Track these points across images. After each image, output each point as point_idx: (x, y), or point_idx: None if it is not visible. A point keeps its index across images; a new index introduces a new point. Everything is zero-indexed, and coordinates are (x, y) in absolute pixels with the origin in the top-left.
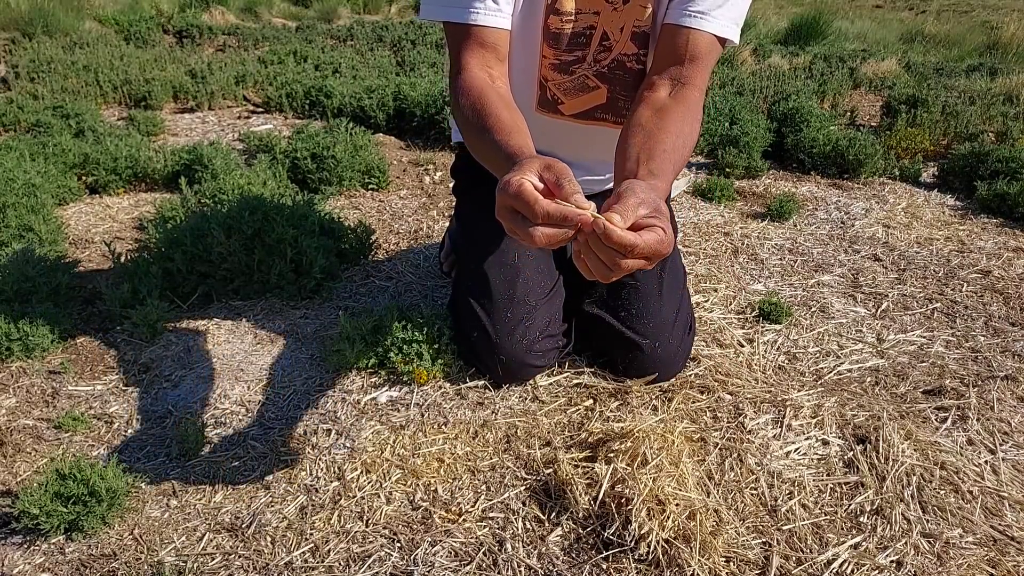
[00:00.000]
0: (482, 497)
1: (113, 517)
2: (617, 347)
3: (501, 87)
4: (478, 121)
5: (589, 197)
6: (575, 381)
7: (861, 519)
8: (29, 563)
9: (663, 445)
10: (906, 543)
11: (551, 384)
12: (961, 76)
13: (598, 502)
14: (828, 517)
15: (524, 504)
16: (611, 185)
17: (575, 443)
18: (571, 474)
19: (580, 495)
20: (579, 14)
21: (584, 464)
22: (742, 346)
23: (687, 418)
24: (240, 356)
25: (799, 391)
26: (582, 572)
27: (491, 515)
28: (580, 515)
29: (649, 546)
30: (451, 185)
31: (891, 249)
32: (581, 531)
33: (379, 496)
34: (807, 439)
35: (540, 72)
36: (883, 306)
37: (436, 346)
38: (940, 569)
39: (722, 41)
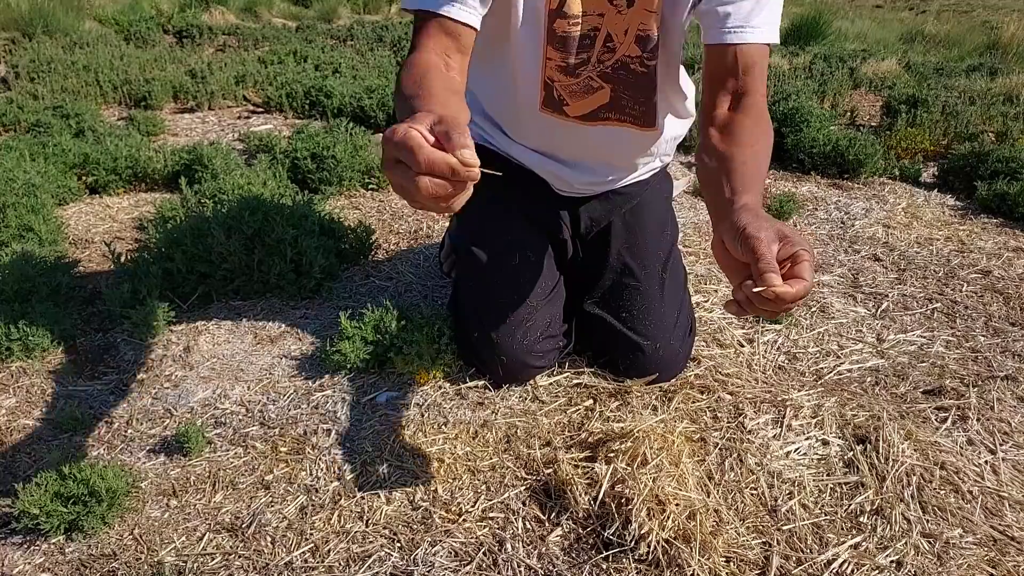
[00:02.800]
0: (482, 497)
1: (113, 517)
2: (618, 347)
3: (456, 77)
4: (409, 89)
5: (590, 198)
6: (575, 381)
7: (861, 519)
8: (29, 563)
9: (663, 445)
10: (906, 543)
11: (551, 384)
12: (961, 76)
13: (598, 502)
14: (828, 517)
15: (524, 504)
16: (612, 187)
17: (575, 443)
18: (571, 474)
19: (580, 495)
20: (584, 16)
21: (584, 464)
22: (742, 346)
23: (687, 418)
24: (240, 356)
25: (799, 391)
26: (582, 572)
27: (491, 515)
28: (580, 515)
29: (649, 546)
30: None
31: (891, 249)
32: (581, 531)
33: (379, 496)
34: (807, 439)
35: (545, 73)
36: (883, 306)
37: (436, 346)
38: (940, 569)
39: (767, 45)
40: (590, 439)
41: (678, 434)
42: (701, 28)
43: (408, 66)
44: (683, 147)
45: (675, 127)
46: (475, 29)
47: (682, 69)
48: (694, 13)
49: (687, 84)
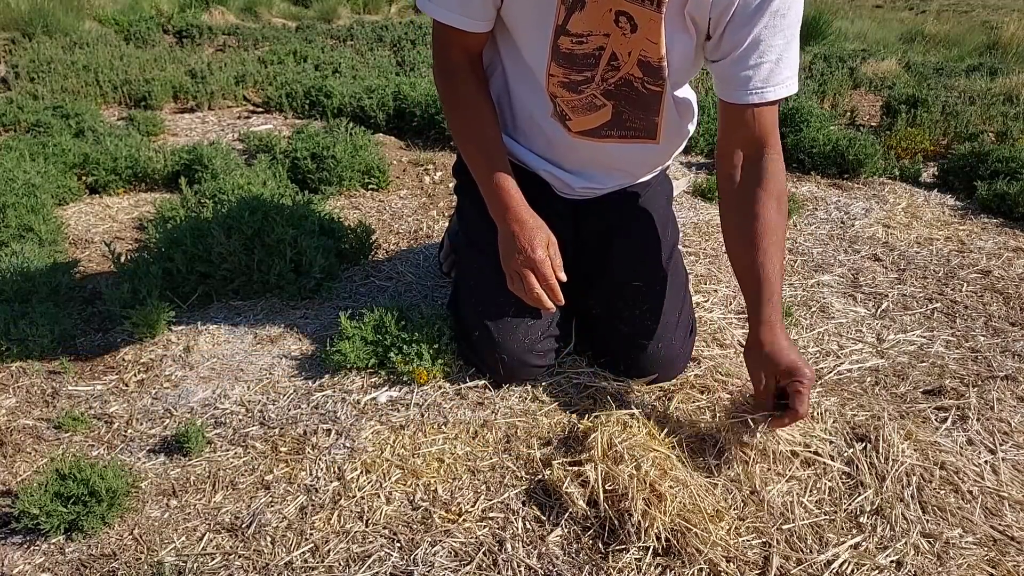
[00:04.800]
0: (482, 497)
1: (113, 517)
2: (618, 347)
3: (479, 72)
4: (470, 128)
5: (588, 201)
6: (575, 381)
7: (861, 519)
8: (29, 563)
9: (659, 442)
10: (906, 543)
11: (551, 384)
12: (961, 76)
13: (597, 500)
14: (828, 517)
15: (524, 504)
16: (608, 191)
17: (573, 441)
18: (569, 473)
19: (577, 495)
20: (590, 36)
21: (583, 464)
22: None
23: (686, 418)
24: (240, 356)
25: None
26: (582, 572)
27: (491, 515)
28: (579, 514)
29: (650, 539)
30: (452, 185)
31: (891, 249)
32: (581, 530)
33: (379, 496)
34: (807, 439)
35: (549, 89)
36: (883, 306)
37: (436, 346)
38: (940, 569)
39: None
40: (588, 439)
41: (651, 424)
42: (717, 82)
43: (450, 85)
44: (684, 148)
45: (678, 141)
46: (489, 32)
47: (686, 85)
48: (709, 65)
49: (691, 99)
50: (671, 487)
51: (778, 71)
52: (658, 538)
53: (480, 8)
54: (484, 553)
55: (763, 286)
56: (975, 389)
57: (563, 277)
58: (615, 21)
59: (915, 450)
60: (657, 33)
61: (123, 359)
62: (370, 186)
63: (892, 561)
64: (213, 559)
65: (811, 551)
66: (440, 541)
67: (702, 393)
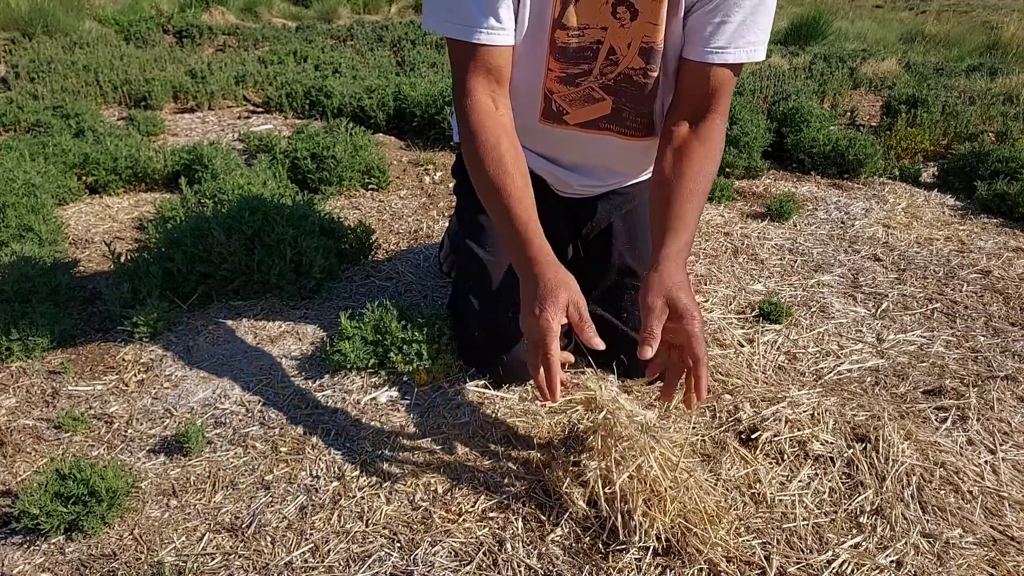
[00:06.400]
0: (482, 497)
1: (113, 517)
2: (619, 348)
3: (504, 115)
4: (493, 176)
5: (591, 199)
6: (575, 381)
7: (861, 519)
8: (29, 563)
9: (659, 443)
10: (906, 543)
11: None
12: (961, 76)
13: (597, 500)
14: (828, 517)
15: (524, 504)
16: (612, 188)
17: (573, 441)
18: (569, 472)
19: (577, 495)
20: (586, 29)
21: (583, 463)
22: (742, 346)
23: (685, 418)
24: (240, 356)
25: (799, 391)
26: (582, 572)
27: (491, 515)
28: (579, 514)
29: (650, 539)
30: (452, 185)
31: (891, 249)
32: (581, 530)
33: (379, 496)
34: (807, 439)
35: (545, 84)
36: (883, 306)
37: (436, 346)
38: (940, 569)
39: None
40: (588, 439)
41: (677, 431)
42: (684, 40)
43: (470, 127)
44: None
45: None
46: (511, 47)
47: None
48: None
49: None
50: (671, 487)
51: (742, 33)
52: (658, 538)
53: (502, 7)
54: (484, 553)
55: (676, 222)
56: (975, 389)
57: (598, 344)
58: (612, 13)
59: (915, 450)
60: (659, 14)
61: (123, 359)
62: (370, 186)
63: (892, 561)
64: (213, 559)
65: (811, 551)
66: (440, 541)
67: None
